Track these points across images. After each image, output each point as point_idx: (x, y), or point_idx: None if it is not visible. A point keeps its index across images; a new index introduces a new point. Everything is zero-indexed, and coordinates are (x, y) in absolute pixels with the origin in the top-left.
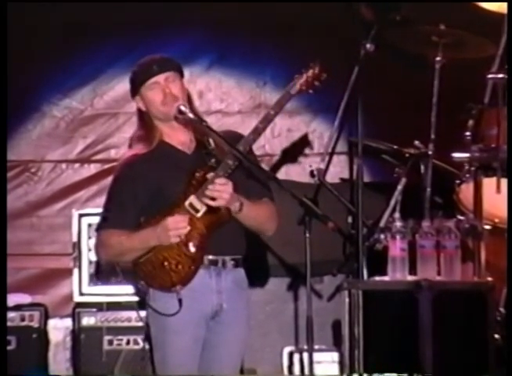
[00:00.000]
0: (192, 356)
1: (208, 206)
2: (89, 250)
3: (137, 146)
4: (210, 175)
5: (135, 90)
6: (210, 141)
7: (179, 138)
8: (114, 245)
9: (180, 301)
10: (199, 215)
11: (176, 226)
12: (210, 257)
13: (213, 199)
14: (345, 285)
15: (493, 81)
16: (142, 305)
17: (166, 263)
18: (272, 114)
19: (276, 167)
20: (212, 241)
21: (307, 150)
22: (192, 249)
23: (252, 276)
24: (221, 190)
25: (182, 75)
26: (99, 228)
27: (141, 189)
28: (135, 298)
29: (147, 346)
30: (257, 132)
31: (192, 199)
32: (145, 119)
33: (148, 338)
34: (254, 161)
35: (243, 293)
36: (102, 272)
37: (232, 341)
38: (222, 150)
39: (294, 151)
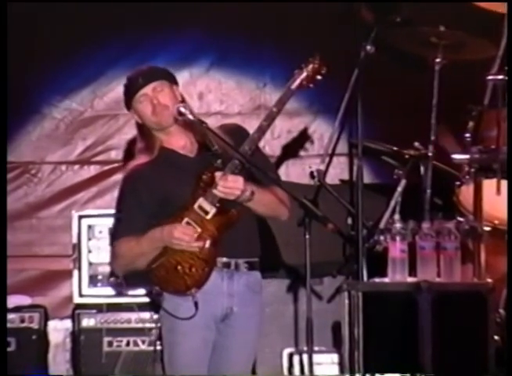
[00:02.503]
0: (200, 357)
1: (218, 207)
2: (89, 251)
3: (139, 157)
4: (217, 174)
5: (128, 104)
6: (213, 141)
7: (179, 142)
8: (125, 252)
9: (196, 304)
10: (208, 216)
11: (180, 237)
12: (224, 259)
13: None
14: (345, 286)
15: (493, 83)
16: (149, 306)
17: (179, 267)
18: (275, 112)
19: (276, 168)
20: (226, 243)
21: (307, 152)
22: (205, 251)
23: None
24: (232, 187)
25: (172, 82)
26: (111, 241)
27: (147, 197)
28: (135, 300)
29: (149, 348)
30: (262, 130)
31: (202, 201)
32: (143, 130)
33: (160, 339)
34: (254, 161)
35: (255, 297)
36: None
37: (241, 344)
38: (228, 153)
39: (295, 152)
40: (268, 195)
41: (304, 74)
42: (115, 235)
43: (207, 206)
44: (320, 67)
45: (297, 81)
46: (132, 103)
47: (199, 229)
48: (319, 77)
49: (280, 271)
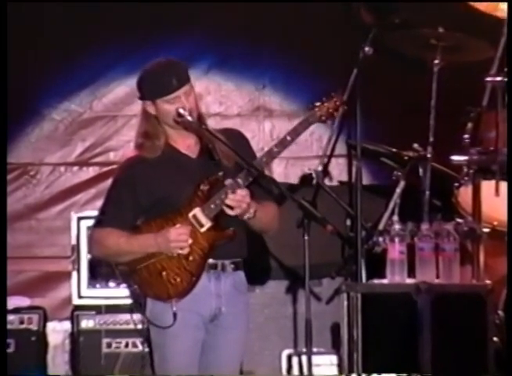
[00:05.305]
0: (191, 358)
1: (214, 222)
2: (88, 253)
3: (141, 147)
4: (228, 182)
5: (149, 98)
6: (217, 149)
7: (185, 141)
8: (111, 246)
9: (175, 314)
10: (203, 229)
11: (177, 239)
12: (210, 261)
13: (231, 208)
14: (344, 288)
15: (492, 84)
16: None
17: (164, 273)
18: (289, 140)
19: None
20: None
21: (306, 153)
22: (193, 264)
23: (252, 278)
24: (240, 200)
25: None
26: (96, 225)
27: (142, 191)
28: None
29: (146, 349)
30: (271, 156)
31: (197, 212)
32: (151, 121)
33: (148, 341)
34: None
35: (242, 296)
36: (101, 274)
37: (230, 343)
38: (229, 157)
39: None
40: (266, 212)
41: (325, 110)
42: (101, 221)
43: (202, 218)
44: (341, 105)
45: (317, 116)
46: (158, 100)
47: (190, 240)
48: (336, 113)
49: (279, 272)
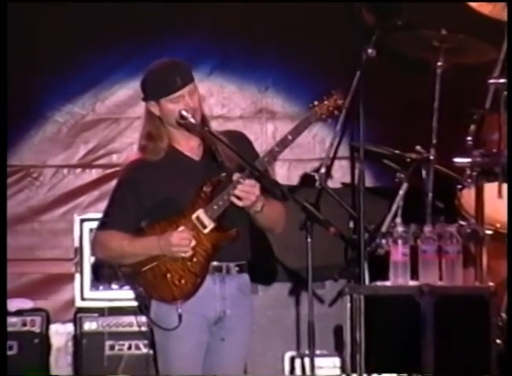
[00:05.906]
0: (195, 360)
1: (217, 223)
2: (91, 255)
3: (144, 149)
4: (236, 175)
5: (153, 98)
6: (220, 151)
7: (189, 143)
8: (115, 248)
9: (180, 316)
10: (206, 231)
11: (180, 243)
12: (215, 263)
13: (239, 199)
14: (347, 290)
15: (495, 86)
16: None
17: (169, 275)
18: (290, 139)
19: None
20: None
21: (308, 155)
22: (197, 265)
23: (256, 281)
24: (249, 191)
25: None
26: (100, 228)
27: (146, 193)
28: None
29: (149, 351)
30: (273, 155)
31: (200, 213)
32: (155, 122)
33: (152, 343)
34: (262, 172)
35: (246, 299)
36: (104, 276)
37: (235, 345)
38: (232, 159)
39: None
40: (273, 209)
41: (325, 109)
42: (105, 223)
43: (205, 220)
44: (342, 104)
45: (317, 115)
46: (161, 99)
47: (193, 243)
48: (337, 112)
49: (282, 274)
